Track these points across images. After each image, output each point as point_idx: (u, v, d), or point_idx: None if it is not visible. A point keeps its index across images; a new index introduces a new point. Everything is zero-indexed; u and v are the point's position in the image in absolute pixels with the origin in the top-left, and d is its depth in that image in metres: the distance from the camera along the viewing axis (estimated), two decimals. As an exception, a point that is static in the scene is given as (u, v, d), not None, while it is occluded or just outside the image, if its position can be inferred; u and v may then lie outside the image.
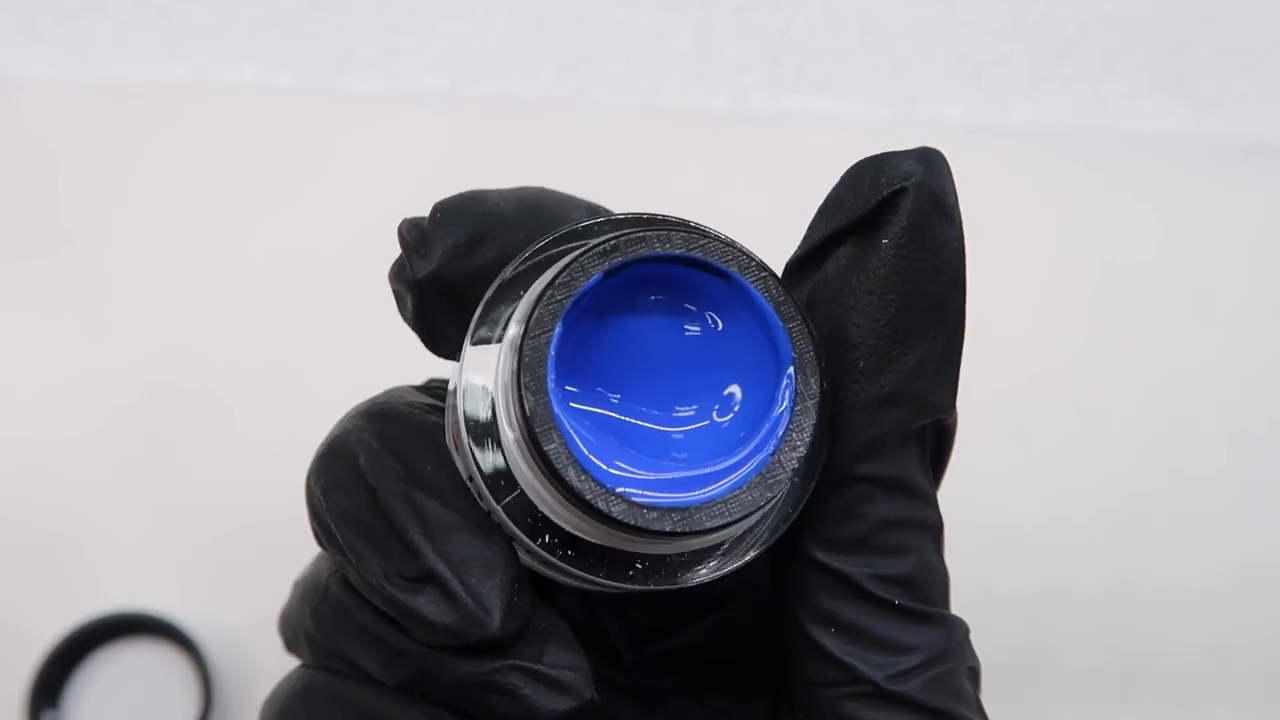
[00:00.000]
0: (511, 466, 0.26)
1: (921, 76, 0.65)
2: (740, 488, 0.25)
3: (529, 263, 0.27)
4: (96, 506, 0.57)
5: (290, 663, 0.56)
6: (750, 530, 0.26)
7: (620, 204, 0.65)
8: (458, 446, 0.27)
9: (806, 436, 0.25)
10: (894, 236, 0.28)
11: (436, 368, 0.61)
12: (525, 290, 0.26)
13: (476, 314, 0.27)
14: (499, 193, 0.30)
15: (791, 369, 0.25)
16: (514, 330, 0.25)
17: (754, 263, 0.27)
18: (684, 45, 0.64)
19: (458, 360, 0.28)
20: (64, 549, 0.56)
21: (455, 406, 0.27)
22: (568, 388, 0.25)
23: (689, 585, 0.26)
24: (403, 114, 0.62)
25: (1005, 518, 0.59)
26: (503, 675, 0.27)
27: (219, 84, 0.62)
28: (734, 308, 0.26)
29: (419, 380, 0.61)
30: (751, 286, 0.26)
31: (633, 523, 0.24)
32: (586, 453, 0.24)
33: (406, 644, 0.28)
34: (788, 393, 0.25)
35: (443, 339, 0.30)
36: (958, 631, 0.30)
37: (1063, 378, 0.60)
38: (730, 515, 0.25)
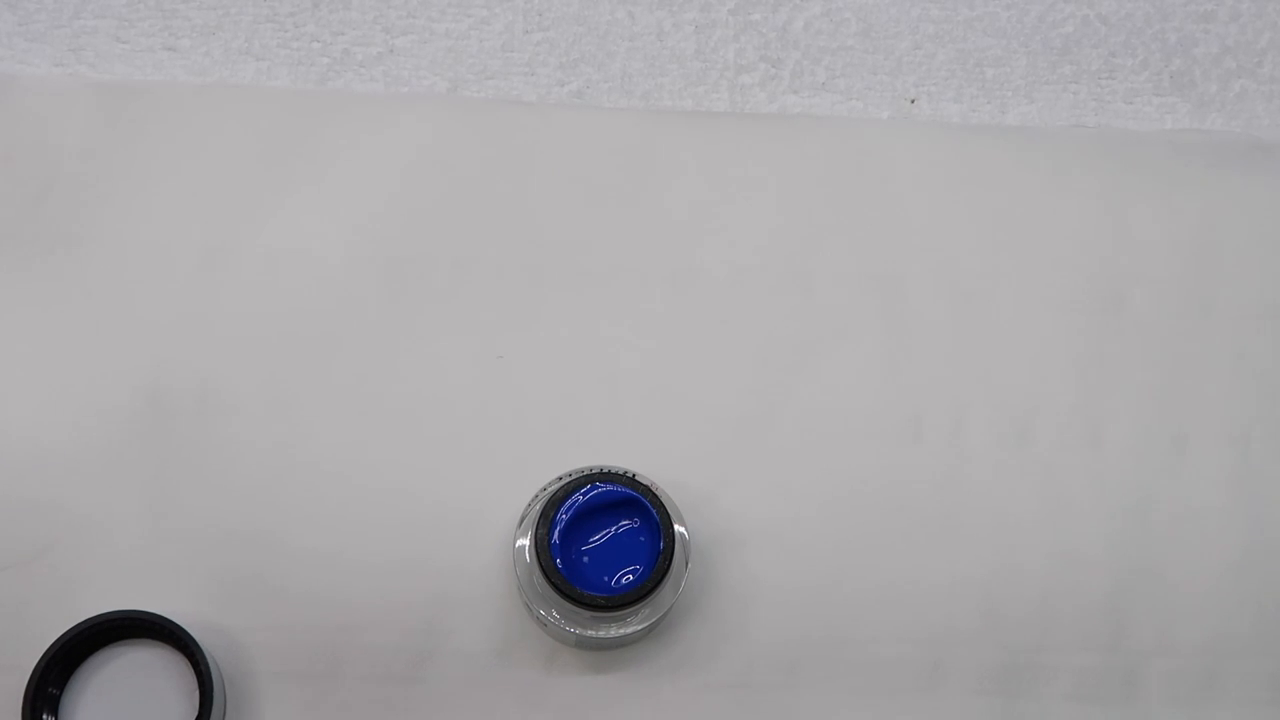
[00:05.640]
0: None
1: (921, 76, 0.65)
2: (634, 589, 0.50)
3: (562, 484, 0.52)
4: (96, 507, 0.57)
5: (290, 663, 0.57)
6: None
7: (620, 203, 0.66)
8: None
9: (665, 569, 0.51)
10: None
11: (433, 367, 0.62)
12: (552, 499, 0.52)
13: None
14: None
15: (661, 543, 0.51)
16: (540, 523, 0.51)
17: (651, 492, 0.51)
18: (684, 45, 0.64)
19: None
20: (64, 549, 0.56)
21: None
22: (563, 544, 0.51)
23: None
24: (403, 114, 0.62)
25: (1005, 517, 0.59)
26: None
27: (219, 84, 0.62)
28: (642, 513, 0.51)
29: (415, 378, 0.61)
30: (649, 504, 0.51)
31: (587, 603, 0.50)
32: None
33: None
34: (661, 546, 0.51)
35: None
36: None
37: (1063, 378, 0.60)
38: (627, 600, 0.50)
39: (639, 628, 0.52)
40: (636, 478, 0.51)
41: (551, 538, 0.50)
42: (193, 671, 0.53)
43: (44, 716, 0.53)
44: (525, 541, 0.52)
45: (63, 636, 0.53)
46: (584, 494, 0.50)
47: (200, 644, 0.53)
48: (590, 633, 0.52)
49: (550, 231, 0.61)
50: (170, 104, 0.61)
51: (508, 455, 0.58)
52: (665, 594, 0.52)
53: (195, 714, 0.53)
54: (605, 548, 0.50)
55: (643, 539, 0.50)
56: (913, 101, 0.64)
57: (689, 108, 0.64)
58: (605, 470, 0.51)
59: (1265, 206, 0.63)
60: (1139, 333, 0.61)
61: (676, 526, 0.51)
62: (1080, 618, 0.58)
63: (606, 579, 0.50)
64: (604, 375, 0.59)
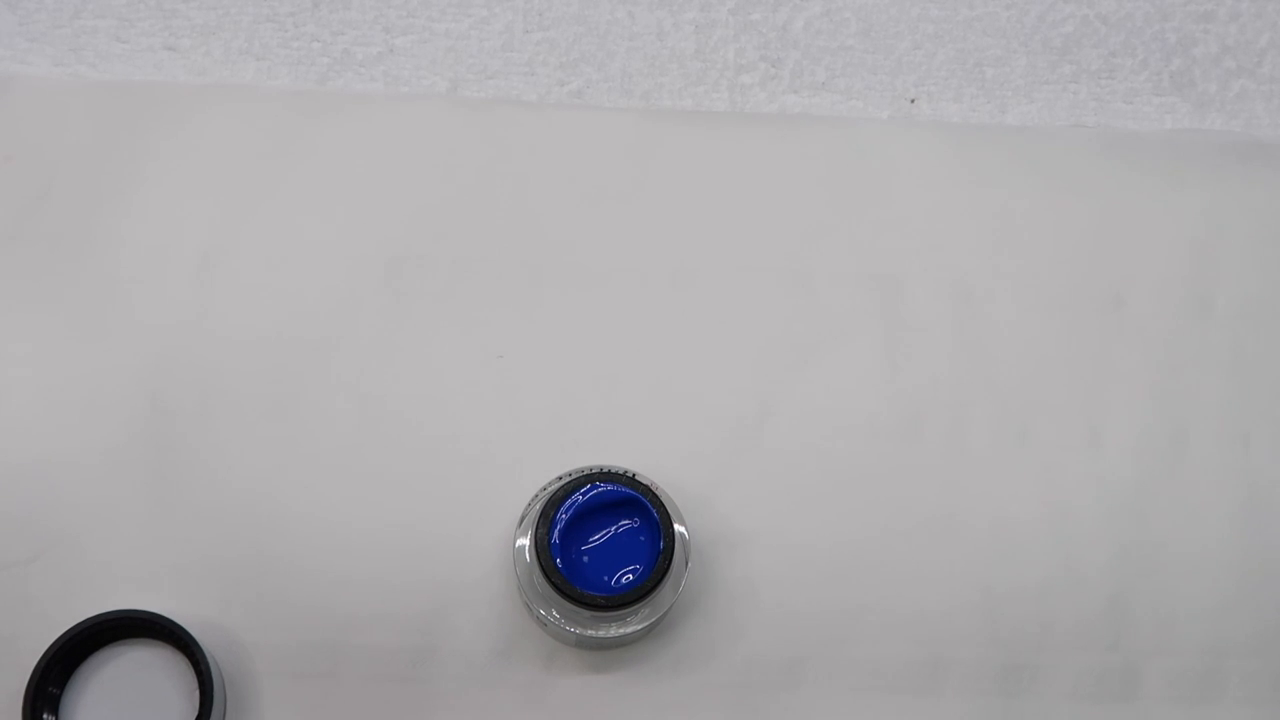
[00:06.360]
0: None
1: (921, 76, 0.65)
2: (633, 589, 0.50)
3: (562, 484, 0.52)
4: (96, 506, 0.57)
5: (290, 663, 0.57)
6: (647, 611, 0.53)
7: (620, 203, 0.66)
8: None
9: (665, 569, 0.50)
10: None
11: (433, 367, 0.62)
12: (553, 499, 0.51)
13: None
14: None
15: (661, 541, 0.51)
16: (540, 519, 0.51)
17: (651, 492, 0.51)
18: (684, 45, 0.64)
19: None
20: (64, 549, 0.56)
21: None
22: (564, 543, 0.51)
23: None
24: (402, 114, 0.62)
25: (1005, 517, 0.59)
26: None
27: (219, 84, 0.62)
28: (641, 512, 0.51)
29: (415, 378, 0.61)
30: (649, 504, 0.51)
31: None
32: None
33: None
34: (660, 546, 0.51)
35: None
36: None
37: (1063, 378, 0.60)
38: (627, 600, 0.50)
39: (639, 627, 0.53)
40: (636, 477, 0.51)
41: (551, 537, 0.50)
42: (193, 671, 0.53)
43: (44, 716, 0.53)
44: (525, 541, 0.52)
45: (63, 636, 0.53)
46: (584, 494, 0.50)
47: (200, 644, 0.53)
48: (590, 632, 0.52)
49: (550, 231, 0.61)
50: (170, 104, 0.61)
51: (507, 455, 0.58)
52: (665, 594, 0.52)
53: (195, 714, 0.53)
54: (605, 547, 0.50)
55: (643, 539, 0.50)
56: (913, 101, 0.64)
57: (689, 108, 0.64)
58: (605, 470, 0.52)
59: (1265, 206, 0.63)
60: (1138, 332, 0.61)
61: (676, 526, 0.51)
62: (1080, 617, 0.58)
63: (606, 579, 0.50)
64: (604, 375, 0.59)
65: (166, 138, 0.60)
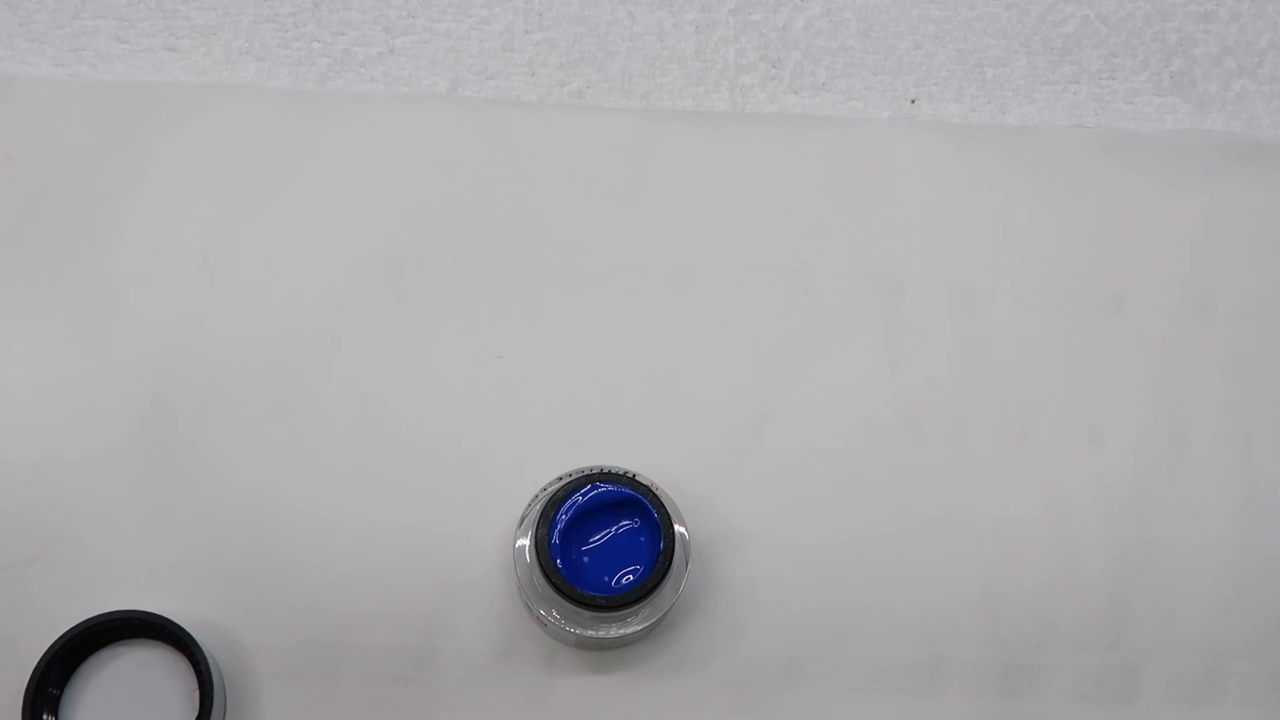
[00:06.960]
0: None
1: (921, 76, 0.65)
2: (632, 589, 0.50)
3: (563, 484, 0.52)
4: (96, 506, 0.57)
5: (290, 663, 0.57)
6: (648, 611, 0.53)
7: (620, 203, 0.66)
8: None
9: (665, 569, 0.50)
10: None
11: (433, 367, 0.62)
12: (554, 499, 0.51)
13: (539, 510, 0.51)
14: None
15: (661, 542, 0.51)
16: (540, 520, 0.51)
17: (651, 492, 0.51)
18: (684, 45, 0.64)
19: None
20: (64, 549, 0.56)
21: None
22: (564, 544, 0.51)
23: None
24: (402, 114, 0.62)
25: (1005, 517, 0.59)
26: None
27: (219, 84, 0.62)
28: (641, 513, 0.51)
29: (415, 378, 0.61)
30: (649, 504, 0.51)
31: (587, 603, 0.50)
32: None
33: None
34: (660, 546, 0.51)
35: None
36: None
37: (1063, 378, 0.60)
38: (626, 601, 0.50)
39: (639, 628, 0.53)
40: (636, 478, 0.51)
41: (551, 538, 0.50)
42: (193, 671, 0.53)
43: (44, 716, 0.53)
44: (525, 541, 0.52)
45: (63, 636, 0.53)
46: (584, 494, 0.50)
47: (200, 644, 0.53)
48: (590, 633, 0.52)
49: (550, 231, 0.61)
50: (170, 104, 0.61)
51: (507, 455, 0.58)
52: (665, 594, 0.52)
53: (195, 714, 0.53)
54: (605, 548, 0.51)
55: (643, 539, 0.50)
56: (913, 101, 0.64)
57: (689, 108, 0.64)
58: (605, 470, 0.52)
59: (1265, 206, 0.63)
60: (1139, 332, 0.61)
61: (676, 526, 0.51)
62: (1080, 617, 0.58)
63: (606, 579, 0.50)
64: (604, 375, 0.59)
65: (166, 138, 0.60)
